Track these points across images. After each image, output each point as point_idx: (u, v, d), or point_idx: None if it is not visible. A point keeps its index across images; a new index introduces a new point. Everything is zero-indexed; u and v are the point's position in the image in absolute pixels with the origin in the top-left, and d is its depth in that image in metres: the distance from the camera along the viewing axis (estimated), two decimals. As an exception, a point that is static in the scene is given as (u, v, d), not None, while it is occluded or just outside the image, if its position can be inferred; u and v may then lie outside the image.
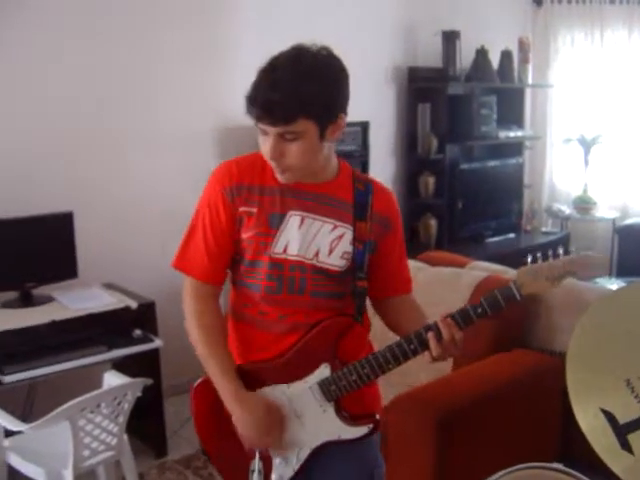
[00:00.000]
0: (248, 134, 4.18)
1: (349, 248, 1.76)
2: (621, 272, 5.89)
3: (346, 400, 1.75)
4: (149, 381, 2.82)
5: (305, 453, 1.78)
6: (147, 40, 4.00)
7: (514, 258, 4.51)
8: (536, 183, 6.50)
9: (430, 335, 1.65)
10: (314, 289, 1.75)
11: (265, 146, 1.66)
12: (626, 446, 1.34)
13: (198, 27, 4.19)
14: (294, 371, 1.75)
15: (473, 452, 2.66)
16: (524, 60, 5.92)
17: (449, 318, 1.65)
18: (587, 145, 6.13)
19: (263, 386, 1.77)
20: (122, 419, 2.75)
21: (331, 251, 1.75)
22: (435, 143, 5.32)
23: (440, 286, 3.33)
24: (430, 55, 5.37)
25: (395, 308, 1.90)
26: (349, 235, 1.76)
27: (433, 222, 5.44)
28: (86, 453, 2.68)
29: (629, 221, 6.17)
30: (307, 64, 1.62)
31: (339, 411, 1.75)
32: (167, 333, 3.49)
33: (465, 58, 5.41)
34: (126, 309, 3.43)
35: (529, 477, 1.34)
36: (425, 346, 1.67)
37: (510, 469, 1.34)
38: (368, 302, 1.88)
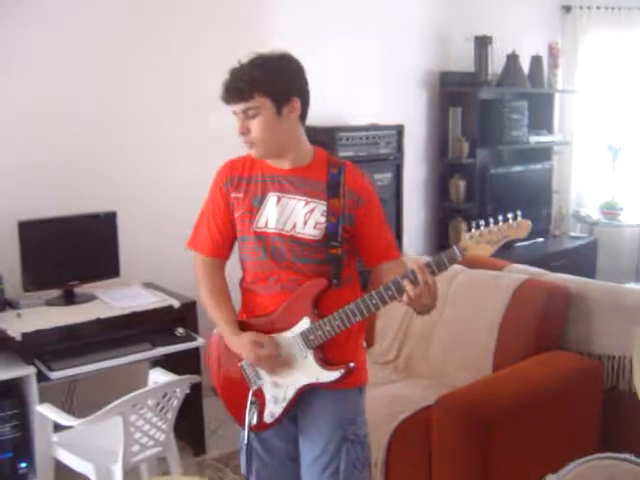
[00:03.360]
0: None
1: (321, 219, 2.07)
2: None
3: (325, 349, 2.08)
4: (197, 378, 2.88)
5: (291, 393, 2.12)
6: (185, 43, 4.07)
7: (543, 262, 4.54)
8: (564, 188, 6.51)
9: (405, 281, 1.90)
10: (294, 255, 2.08)
11: (238, 124, 2.02)
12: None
13: (229, 30, 4.22)
14: (283, 323, 2.10)
15: (516, 452, 2.68)
16: (554, 65, 5.95)
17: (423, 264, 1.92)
18: (615, 151, 6.14)
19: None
20: (171, 415, 2.80)
21: (305, 222, 2.07)
22: (466, 147, 5.35)
23: (481, 288, 3.36)
24: (462, 60, 5.41)
25: (386, 274, 2.10)
26: (320, 208, 2.07)
27: (464, 226, 5.45)
28: (135, 448, 2.73)
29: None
30: (261, 56, 2.02)
31: (317, 357, 2.07)
32: (207, 333, 3.53)
33: (496, 63, 5.45)
34: (168, 308, 3.48)
35: (601, 467, 1.37)
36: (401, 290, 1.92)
37: (582, 460, 1.37)
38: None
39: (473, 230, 1.90)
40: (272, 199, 2.09)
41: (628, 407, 3.03)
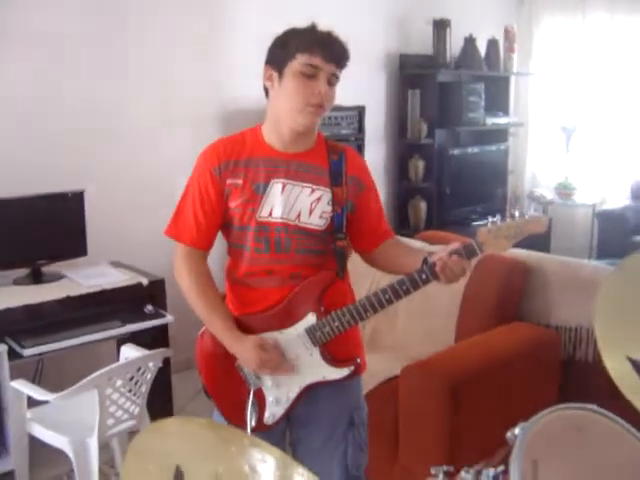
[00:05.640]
0: (251, 116, 4.34)
1: (327, 208, 1.95)
2: (600, 255, 6.09)
3: (331, 345, 1.96)
4: (170, 352, 2.94)
5: (294, 393, 1.99)
6: (154, 25, 4.09)
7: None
8: (519, 169, 6.68)
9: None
10: (298, 247, 1.95)
11: (310, 87, 1.85)
12: (650, 390, 1.48)
13: (201, 11, 4.28)
14: (285, 320, 1.96)
15: (479, 417, 2.79)
16: (509, 49, 6.09)
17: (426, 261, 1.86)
18: (569, 132, 6.32)
19: (257, 333, 1.98)
20: (145, 389, 2.86)
21: (311, 212, 1.94)
22: (425, 128, 5.46)
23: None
24: (421, 43, 5.51)
25: (386, 253, 2.08)
26: (327, 197, 1.95)
27: (422, 205, 5.59)
28: (110, 422, 2.77)
29: (608, 206, 6.38)
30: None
31: (324, 354, 1.96)
32: (174, 310, 3.58)
33: (454, 46, 5.56)
34: (137, 286, 3.52)
35: (569, 417, 1.47)
36: (411, 289, 1.86)
37: (550, 409, 1.47)
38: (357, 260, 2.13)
39: (490, 224, 1.82)
40: (277, 186, 1.92)
41: (584, 375, 3.18)
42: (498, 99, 6.15)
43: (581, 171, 6.52)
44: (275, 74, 1.90)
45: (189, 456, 0.90)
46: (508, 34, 6.05)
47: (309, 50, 1.84)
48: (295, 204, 1.94)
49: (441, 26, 5.39)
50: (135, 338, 3.43)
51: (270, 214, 1.93)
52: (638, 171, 6.49)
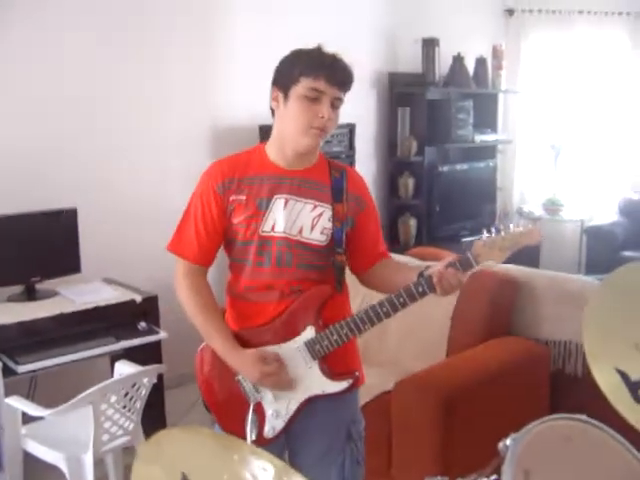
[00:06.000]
0: (243, 133, 4.41)
1: (328, 224, 1.99)
2: (589, 270, 6.16)
3: (329, 359, 1.99)
4: (163, 368, 2.95)
5: (294, 406, 2.01)
6: (148, 41, 4.15)
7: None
8: (508, 185, 6.75)
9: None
10: (299, 261, 1.98)
11: (313, 111, 1.90)
12: (637, 400, 1.52)
13: (196, 28, 4.35)
14: (284, 333, 1.99)
15: (473, 429, 2.82)
16: (497, 67, 6.17)
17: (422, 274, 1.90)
18: (557, 149, 6.40)
19: (256, 347, 2.00)
20: (139, 404, 2.87)
21: (313, 227, 1.98)
22: (414, 146, 5.52)
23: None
24: (410, 61, 5.57)
25: (382, 271, 2.11)
26: (328, 213, 2.00)
27: (412, 222, 5.64)
28: (105, 437, 2.79)
29: (596, 222, 6.46)
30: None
31: (323, 368, 1.99)
32: (167, 327, 3.61)
33: (443, 65, 5.64)
34: (130, 302, 3.54)
35: (558, 427, 1.51)
36: (408, 301, 1.90)
37: (539, 420, 1.50)
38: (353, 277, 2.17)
39: (485, 237, 1.87)
40: (279, 201, 1.97)
41: (573, 388, 3.22)
42: (486, 116, 6.22)
43: (569, 187, 6.60)
44: (281, 95, 1.95)
45: (194, 464, 0.94)
46: (496, 52, 6.14)
47: (313, 74, 1.88)
48: (297, 219, 1.98)
49: (430, 45, 5.46)
50: (128, 355, 3.45)
51: (273, 229, 1.97)
52: (626, 187, 6.58)
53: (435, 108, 5.63)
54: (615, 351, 1.61)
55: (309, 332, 1.97)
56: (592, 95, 6.43)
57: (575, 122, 6.52)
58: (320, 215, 1.99)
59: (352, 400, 2.14)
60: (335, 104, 1.93)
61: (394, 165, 5.66)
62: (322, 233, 1.99)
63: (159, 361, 3.54)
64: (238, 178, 1.99)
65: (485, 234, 1.87)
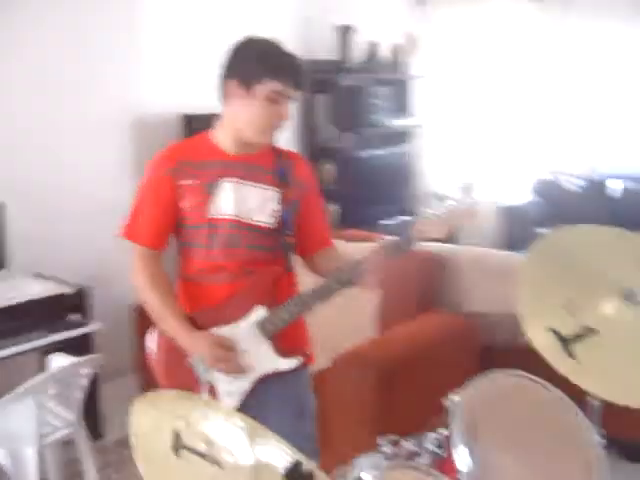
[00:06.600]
0: (166, 122, 4.39)
1: (277, 207, 2.07)
2: (506, 248, 6.39)
3: (280, 337, 2.06)
4: (102, 358, 2.96)
5: (247, 386, 2.06)
6: (69, 24, 4.07)
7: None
8: (424, 169, 6.92)
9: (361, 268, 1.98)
10: (249, 243, 2.05)
11: (275, 112, 2.00)
12: (570, 354, 1.65)
13: (119, 11, 4.28)
14: (236, 314, 2.05)
15: (406, 399, 2.95)
16: (410, 53, 6.32)
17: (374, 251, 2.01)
18: (470, 132, 6.62)
19: (209, 328, 2.06)
20: (80, 395, 2.87)
21: (261, 210, 2.06)
22: (333, 132, 5.62)
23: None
24: (326, 48, 5.65)
25: (324, 260, 2.20)
26: (276, 196, 2.07)
27: (333, 208, 5.73)
28: (46, 430, 2.78)
29: (508, 202, 6.71)
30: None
31: (274, 346, 2.06)
32: (101, 317, 3.60)
33: (358, 51, 5.75)
34: (61, 296, 3.51)
35: (499, 380, 1.64)
36: (350, 282, 1.99)
37: (482, 375, 1.62)
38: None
39: (425, 214, 1.98)
40: (228, 185, 2.04)
41: (501, 356, 3.38)
42: (401, 102, 6.37)
43: (484, 169, 6.82)
44: (240, 92, 1.99)
45: (184, 423, 1.00)
46: (409, 38, 6.29)
47: (278, 78, 1.97)
48: (246, 202, 2.04)
49: (345, 32, 5.56)
50: (61, 349, 3.42)
51: (222, 212, 2.03)
52: (539, 167, 6.85)
53: (352, 94, 5.73)
54: (547, 312, 1.74)
55: (260, 312, 2.04)
56: (506, 77, 6.63)
57: (490, 104, 6.73)
58: (268, 198, 2.06)
59: (303, 378, 2.22)
60: (292, 102, 2.03)
61: (314, 151, 5.73)
62: (271, 215, 2.06)
63: (92, 352, 3.52)
64: (187, 163, 2.05)
65: (425, 213, 1.99)
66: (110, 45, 4.26)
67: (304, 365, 2.14)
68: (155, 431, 1.02)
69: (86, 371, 2.87)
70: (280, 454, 0.99)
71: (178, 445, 0.97)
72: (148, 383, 3.64)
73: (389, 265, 1.99)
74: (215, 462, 0.96)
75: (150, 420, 1.05)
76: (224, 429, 1.03)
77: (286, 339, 2.08)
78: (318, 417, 3.01)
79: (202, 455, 0.97)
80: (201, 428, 0.99)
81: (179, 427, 0.98)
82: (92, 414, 3.68)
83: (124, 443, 3.63)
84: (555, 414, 1.63)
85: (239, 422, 1.07)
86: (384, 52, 6.03)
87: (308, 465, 0.96)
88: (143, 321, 3.54)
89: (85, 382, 2.89)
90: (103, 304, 3.77)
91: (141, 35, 4.43)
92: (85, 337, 3.49)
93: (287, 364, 2.07)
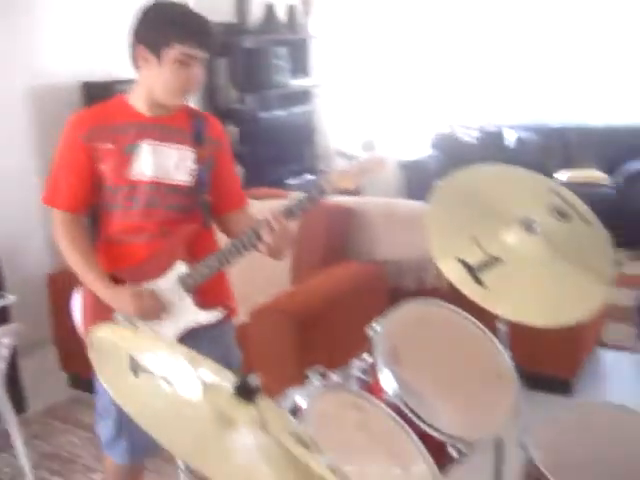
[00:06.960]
0: (64, 91, 4.31)
1: (193, 166, 2.12)
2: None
3: (201, 291, 2.13)
4: (22, 327, 2.94)
5: (172, 339, 2.10)
6: None
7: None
8: (326, 128, 7.03)
9: (264, 228, 2.01)
10: (167, 203, 2.11)
11: (186, 74, 2.03)
12: (478, 281, 1.80)
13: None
14: (157, 270, 2.12)
15: (329, 343, 3.08)
16: (307, 13, 6.38)
17: (278, 212, 2.03)
18: (371, 90, 6.77)
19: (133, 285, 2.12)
20: (2, 365, 2.86)
21: (179, 169, 2.11)
22: (234, 95, 5.65)
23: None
24: (223, 11, 5.65)
25: (236, 221, 2.26)
26: (191, 155, 2.12)
27: (239, 170, 5.79)
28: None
29: (409, 157, 6.91)
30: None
31: (195, 300, 2.13)
32: (15, 288, 3.55)
33: (255, 13, 5.78)
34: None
35: (416, 307, 1.77)
36: (260, 237, 2.02)
37: (400, 304, 1.75)
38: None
39: (336, 167, 2.07)
40: (146, 147, 2.09)
41: (408, 300, 3.54)
42: (301, 62, 6.43)
43: (384, 126, 6.99)
44: (151, 57, 2.02)
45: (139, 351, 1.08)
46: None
47: (187, 41, 1.98)
48: (163, 163, 2.10)
49: (241, -6, 5.58)
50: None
51: (140, 173, 2.09)
52: (438, 122, 7.06)
53: (252, 56, 5.76)
54: (455, 247, 1.87)
55: (180, 267, 2.11)
56: (401, 32, 6.77)
57: (387, 61, 6.86)
58: (184, 158, 2.12)
59: (228, 331, 2.31)
60: (203, 63, 2.06)
61: (216, 114, 5.61)
62: (189, 174, 2.12)
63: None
64: (102, 125, 2.09)
65: (339, 165, 2.08)
66: (6, 12, 4.14)
67: (228, 317, 2.23)
68: (114, 354, 1.09)
69: (6, 341, 2.86)
70: (224, 376, 1.07)
71: (135, 367, 1.05)
72: (67, 354, 3.70)
73: (296, 224, 2.05)
74: (170, 383, 1.04)
75: (109, 345, 1.12)
76: (169, 356, 1.11)
77: (207, 292, 2.15)
78: (244, 371, 3.13)
79: (159, 376, 1.04)
80: (151, 355, 1.07)
81: (133, 352, 1.06)
82: (13, 387, 3.65)
83: (48, 414, 3.65)
84: (468, 335, 1.78)
85: (182, 350, 1.14)
86: (280, 14, 6.06)
87: (254, 380, 1.04)
88: (58, 291, 3.56)
89: (6, 352, 2.88)
90: (17, 275, 3.72)
91: (38, 1, 4.31)
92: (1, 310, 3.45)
93: (209, 317, 2.15)
